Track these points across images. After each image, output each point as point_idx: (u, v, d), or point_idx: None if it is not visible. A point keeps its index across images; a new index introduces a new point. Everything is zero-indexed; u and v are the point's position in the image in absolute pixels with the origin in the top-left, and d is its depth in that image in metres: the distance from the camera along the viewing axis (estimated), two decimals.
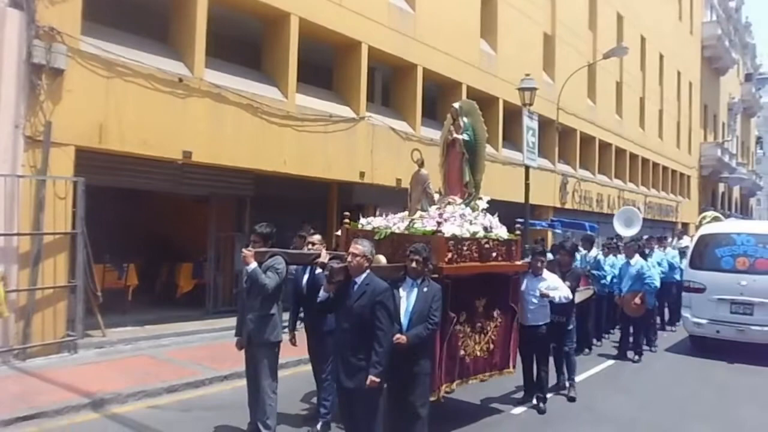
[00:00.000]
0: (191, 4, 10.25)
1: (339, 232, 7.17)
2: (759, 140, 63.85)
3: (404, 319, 5.23)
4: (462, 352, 6.07)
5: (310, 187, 12.98)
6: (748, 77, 51.90)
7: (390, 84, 15.75)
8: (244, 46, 12.46)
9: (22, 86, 8.19)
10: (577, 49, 22.48)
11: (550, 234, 19.32)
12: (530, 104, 14.20)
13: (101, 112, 8.93)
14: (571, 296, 7.27)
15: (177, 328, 10.47)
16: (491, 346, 6.45)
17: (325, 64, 13.79)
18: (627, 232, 15.94)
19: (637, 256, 10.28)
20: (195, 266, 12.40)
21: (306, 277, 6.28)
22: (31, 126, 8.27)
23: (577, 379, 8.43)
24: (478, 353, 6.30)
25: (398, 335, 5.02)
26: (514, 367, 6.86)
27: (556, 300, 7.04)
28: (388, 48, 13.99)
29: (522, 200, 14.38)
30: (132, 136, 9.27)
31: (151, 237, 13.04)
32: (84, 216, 8.79)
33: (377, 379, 4.65)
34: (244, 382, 6.04)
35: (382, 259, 5.68)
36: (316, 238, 6.48)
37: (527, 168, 14.35)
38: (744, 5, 50.22)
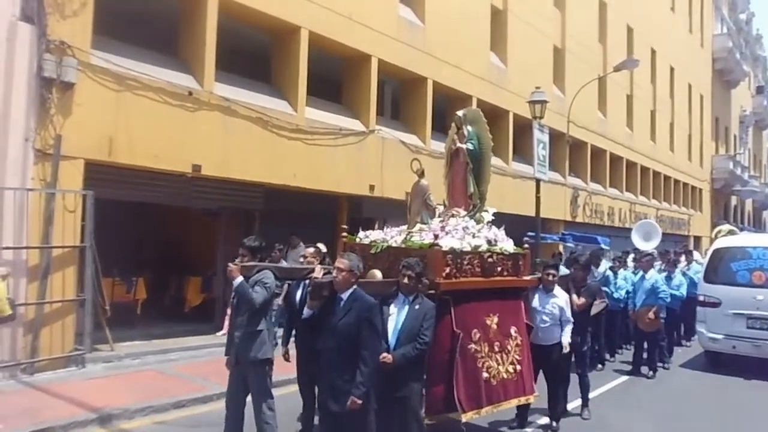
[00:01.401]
0: (201, 17, 10.29)
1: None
2: None
3: (392, 338, 5.03)
4: (486, 375, 5.70)
5: (319, 201, 12.93)
6: (760, 89, 51.62)
7: (400, 97, 15.74)
8: (253, 59, 12.48)
9: (33, 100, 8.21)
10: (588, 62, 22.42)
11: (561, 248, 19.15)
12: (541, 117, 14.12)
13: (111, 125, 8.94)
14: (572, 321, 6.88)
15: (185, 342, 10.40)
16: (517, 366, 6.04)
17: (335, 77, 13.80)
18: (646, 246, 15.73)
19: (652, 271, 10.14)
20: (204, 280, 12.35)
21: (300, 292, 6.08)
22: (41, 139, 8.28)
23: (592, 394, 8.27)
24: (505, 375, 5.90)
25: (384, 354, 4.81)
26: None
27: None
28: (398, 61, 13.98)
29: (533, 214, 14.28)
30: (141, 149, 9.27)
31: (160, 250, 13.02)
32: (93, 229, 8.78)
33: (359, 401, 4.42)
34: (282, 392, 5.85)
35: (378, 274, 5.51)
36: (309, 251, 6.31)
37: (538, 181, 14.25)
38: (755, 17, 50.08)
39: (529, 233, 14.91)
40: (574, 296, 7.33)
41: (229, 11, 10.67)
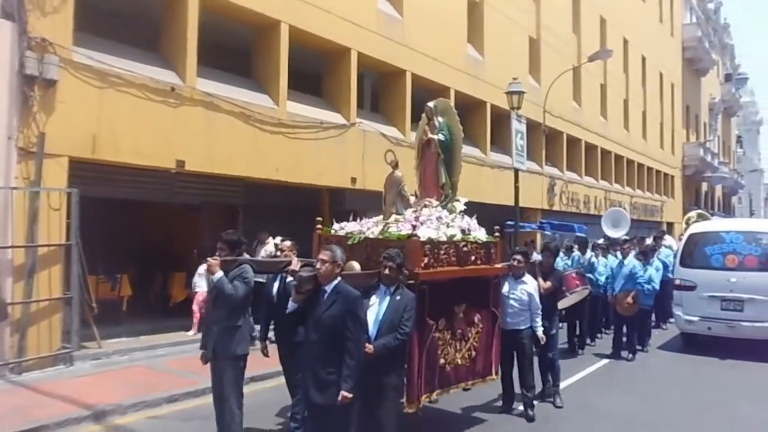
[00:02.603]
0: (182, 13, 10.26)
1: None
2: (739, 139, 64.80)
3: (373, 328, 5.03)
4: (442, 361, 5.82)
5: (301, 194, 13.00)
6: (728, 77, 52.71)
7: (379, 90, 15.83)
8: (235, 54, 12.46)
9: (15, 98, 8.14)
10: (562, 52, 22.71)
11: (539, 236, 19.45)
12: (518, 108, 14.30)
13: (94, 122, 8.91)
14: (540, 308, 6.99)
15: (172, 338, 10.42)
16: (473, 353, 6.19)
17: (316, 71, 13.84)
18: (615, 233, 16.04)
19: (630, 257, 10.43)
20: (188, 275, 12.32)
21: (277, 285, 6.05)
22: (24, 137, 8.23)
23: (573, 378, 8.56)
24: (459, 361, 6.03)
25: (365, 344, 4.79)
26: (496, 373, 6.63)
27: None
28: (378, 54, 14.07)
29: (511, 203, 14.49)
30: (125, 146, 9.26)
31: (144, 246, 12.96)
32: (78, 227, 8.75)
33: (349, 395, 4.38)
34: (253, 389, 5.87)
35: (356, 266, 5.46)
36: (287, 244, 6.26)
37: (516, 171, 14.46)
38: (723, 6, 50.99)
39: (508, 222, 15.22)
40: (541, 280, 7.45)
41: (210, 6, 10.66)
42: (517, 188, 14.29)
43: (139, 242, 12.96)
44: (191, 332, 10.57)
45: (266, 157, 11.49)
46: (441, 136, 6.72)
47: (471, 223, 6.44)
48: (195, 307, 10.63)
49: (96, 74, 8.95)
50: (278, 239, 10.81)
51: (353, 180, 13.44)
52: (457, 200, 6.73)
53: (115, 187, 9.75)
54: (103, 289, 10.79)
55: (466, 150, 16.15)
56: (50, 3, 8.44)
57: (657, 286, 10.68)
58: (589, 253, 11.53)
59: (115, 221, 11.82)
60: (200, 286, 10.58)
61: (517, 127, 14.65)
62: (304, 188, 12.80)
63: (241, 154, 11.01)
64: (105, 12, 10.35)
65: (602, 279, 11.02)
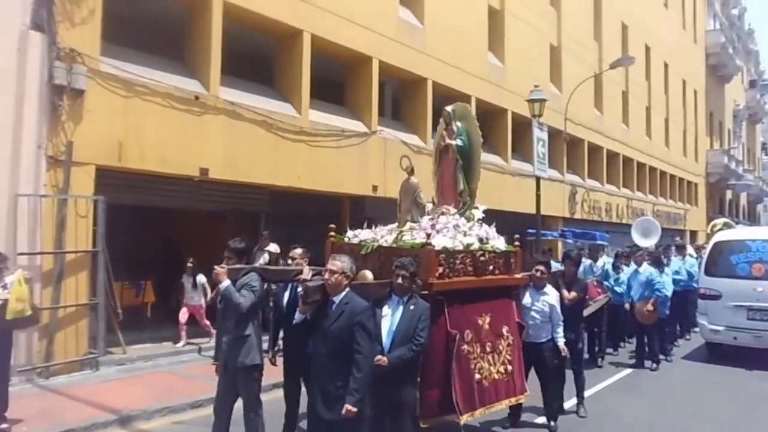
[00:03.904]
0: (206, 23, 10.43)
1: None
2: (764, 146, 63.75)
3: (386, 340, 4.86)
4: (478, 376, 5.59)
5: (322, 202, 13.05)
6: (753, 84, 51.97)
7: (400, 98, 15.88)
8: (257, 63, 12.60)
9: (44, 107, 8.33)
10: (584, 59, 22.62)
11: (560, 244, 19.32)
12: (540, 115, 14.27)
13: (120, 131, 9.07)
14: (562, 320, 6.78)
15: (195, 344, 10.50)
16: (509, 367, 5.95)
17: (337, 79, 13.94)
18: (645, 242, 15.86)
19: (645, 264, 10.31)
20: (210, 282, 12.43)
21: (287, 295, 5.88)
22: (53, 146, 8.40)
23: (596, 387, 8.47)
24: (497, 376, 5.80)
25: (379, 357, 4.66)
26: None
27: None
28: (399, 62, 14.15)
29: (532, 211, 14.43)
30: (151, 154, 9.40)
31: (167, 253, 13.10)
32: (104, 234, 8.89)
33: (354, 408, 4.22)
34: (269, 396, 5.82)
35: (369, 275, 5.31)
36: (298, 252, 6.10)
37: (538, 179, 14.41)
38: (746, 12, 50.41)
39: (530, 230, 15.17)
40: (565, 291, 7.23)
41: (234, 16, 10.80)
42: (538, 196, 14.25)
43: (162, 249, 13.10)
44: (180, 344, 10.53)
45: (288, 165, 11.59)
46: (459, 142, 6.54)
47: (489, 231, 6.26)
48: (182, 318, 10.61)
49: (122, 83, 9.12)
50: (272, 246, 10.91)
51: (374, 188, 13.48)
52: (476, 207, 6.58)
53: (141, 194, 9.88)
54: (127, 295, 10.92)
55: (487, 158, 16.18)
56: (79, 14, 8.63)
57: (669, 293, 10.46)
58: (602, 261, 11.40)
59: (138, 228, 11.96)
60: (195, 299, 10.68)
61: (539, 135, 14.64)
62: (326, 196, 12.86)
63: (263, 162, 11.11)
64: (131, 22, 10.53)
65: (624, 287, 10.89)
